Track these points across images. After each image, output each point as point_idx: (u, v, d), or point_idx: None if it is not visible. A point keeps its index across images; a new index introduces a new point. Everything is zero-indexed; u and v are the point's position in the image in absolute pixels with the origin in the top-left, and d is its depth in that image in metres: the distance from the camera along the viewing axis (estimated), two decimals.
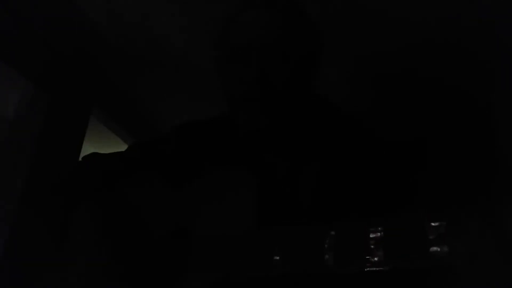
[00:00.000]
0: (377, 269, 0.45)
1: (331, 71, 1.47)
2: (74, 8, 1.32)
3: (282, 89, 0.68)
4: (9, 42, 1.27)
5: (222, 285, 0.56)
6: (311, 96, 0.77)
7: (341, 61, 1.47)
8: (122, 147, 1.96)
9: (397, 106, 1.65)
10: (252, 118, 0.69)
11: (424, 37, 1.34)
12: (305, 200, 0.64)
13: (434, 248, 0.42)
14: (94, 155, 0.84)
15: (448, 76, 1.49)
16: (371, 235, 0.46)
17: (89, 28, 1.40)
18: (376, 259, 0.45)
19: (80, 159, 1.57)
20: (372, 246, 0.45)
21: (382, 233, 0.45)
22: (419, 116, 1.68)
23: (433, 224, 0.43)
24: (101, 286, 0.64)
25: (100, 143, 1.95)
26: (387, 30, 1.33)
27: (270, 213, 0.58)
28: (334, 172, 0.66)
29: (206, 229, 0.63)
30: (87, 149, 1.85)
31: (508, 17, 1.19)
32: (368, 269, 0.45)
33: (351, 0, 1.24)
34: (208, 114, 0.87)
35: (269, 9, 0.71)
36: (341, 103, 0.77)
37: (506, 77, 1.40)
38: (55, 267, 0.72)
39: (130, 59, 1.56)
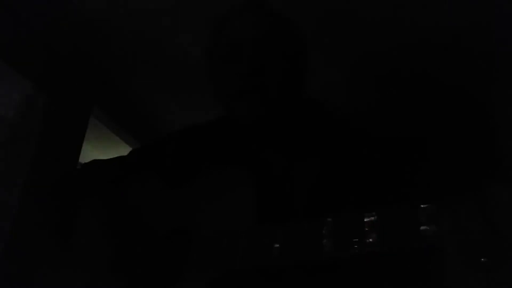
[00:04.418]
0: (374, 250, 0.46)
1: (331, 71, 1.48)
2: (73, 8, 1.32)
3: (273, 81, 0.73)
4: (9, 42, 1.28)
5: (221, 283, 0.56)
6: (304, 98, 0.80)
7: (341, 61, 1.47)
8: (122, 147, 1.98)
9: (396, 104, 1.65)
10: (248, 108, 0.72)
11: (424, 37, 1.34)
12: (302, 197, 0.65)
13: (425, 229, 0.44)
14: (95, 161, 0.86)
15: (447, 75, 1.50)
16: (366, 219, 0.48)
17: (88, 28, 1.41)
18: (371, 240, 0.46)
19: (80, 159, 1.58)
20: (366, 229, 0.47)
21: (376, 217, 0.47)
22: (418, 114, 1.68)
23: (423, 206, 0.45)
24: (104, 283, 0.65)
25: (100, 143, 1.95)
26: (385, 31, 1.33)
27: (268, 210, 0.59)
28: (329, 169, 0.68)
29: (206, 227, 0.63)
30: (87, 149, 1.86)
31: (507, 17, 1.19)
32: (365, 251, 0.47)
33: (351, 1, 1.24)
34: (208, 113, 0.88)
35: (256, 13, 0.79)
36: (341, 102, 0.78)
37: (504, 76, 1.40)
38: (55, 266, 0.72)
39: (130, 59, 1.57)
